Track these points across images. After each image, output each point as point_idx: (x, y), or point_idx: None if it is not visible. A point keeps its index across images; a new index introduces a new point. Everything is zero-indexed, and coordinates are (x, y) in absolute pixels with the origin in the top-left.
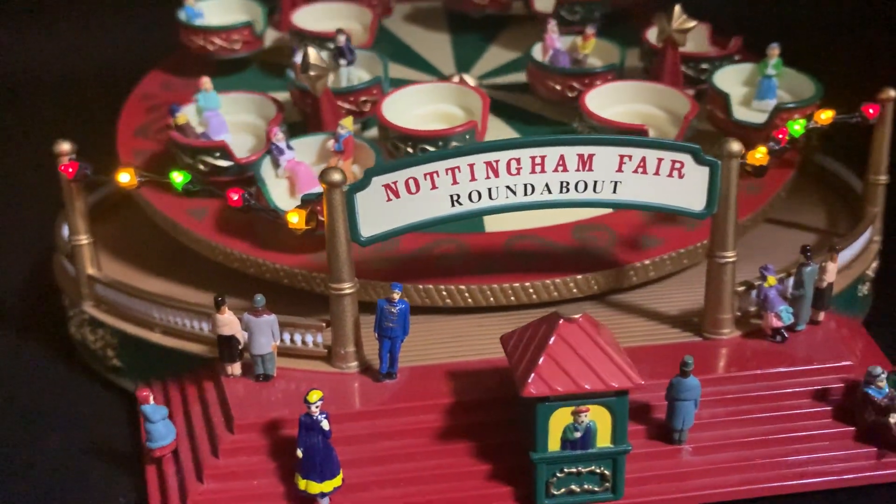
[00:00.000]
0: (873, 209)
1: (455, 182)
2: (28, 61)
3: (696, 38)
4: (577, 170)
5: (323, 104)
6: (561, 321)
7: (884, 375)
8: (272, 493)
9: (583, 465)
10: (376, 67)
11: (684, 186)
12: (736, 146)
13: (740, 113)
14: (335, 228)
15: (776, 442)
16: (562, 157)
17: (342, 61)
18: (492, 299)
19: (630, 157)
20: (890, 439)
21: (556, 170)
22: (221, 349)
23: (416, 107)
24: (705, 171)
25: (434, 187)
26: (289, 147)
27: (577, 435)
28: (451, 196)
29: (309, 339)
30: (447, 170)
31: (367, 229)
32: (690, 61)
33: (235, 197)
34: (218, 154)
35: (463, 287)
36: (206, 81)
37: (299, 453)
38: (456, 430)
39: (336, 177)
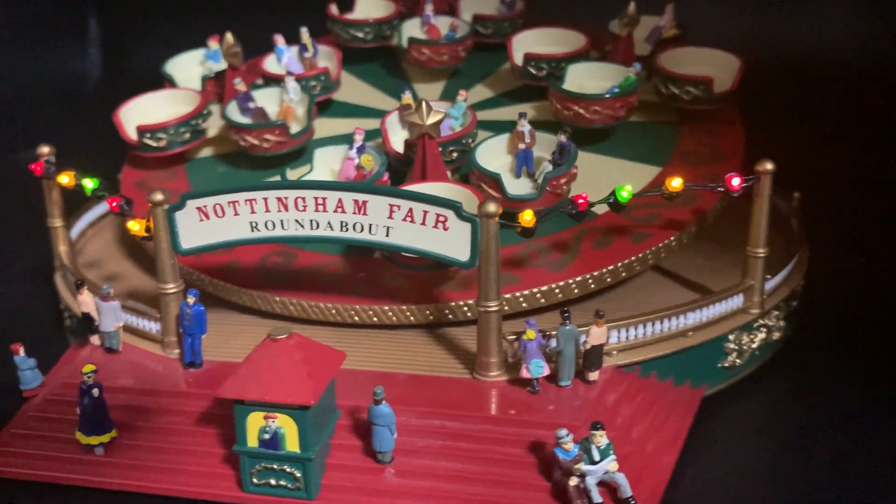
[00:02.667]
0: (749, 281)
1: (253, 212)
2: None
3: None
4: (354, 213)
5: (418, 151)
6: (267, 339)
7: (569, 437)
8: (66, 438)
9: (276, 464)
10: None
11: (449, 237)
12: (492, 207)
13: None
14: (159, 239)
15: (475, 481)
16: (340, 201)
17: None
18: (323, 315)
19: (399, 206)
20: (566, 500)
21: (335, 211)
22: (83, 323)
23: None
24: (468, 225)
25: (236, 214)
26: (359, 150)
27: (267, 437)
28: (251, 223)
29: (152, 326)
30: (246, 201)
31: (186, 242)
32: None
33: (114, 204)
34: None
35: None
36: (462, 94)
37: (77, 411)
38: (212, 418)
39: (158, 196)
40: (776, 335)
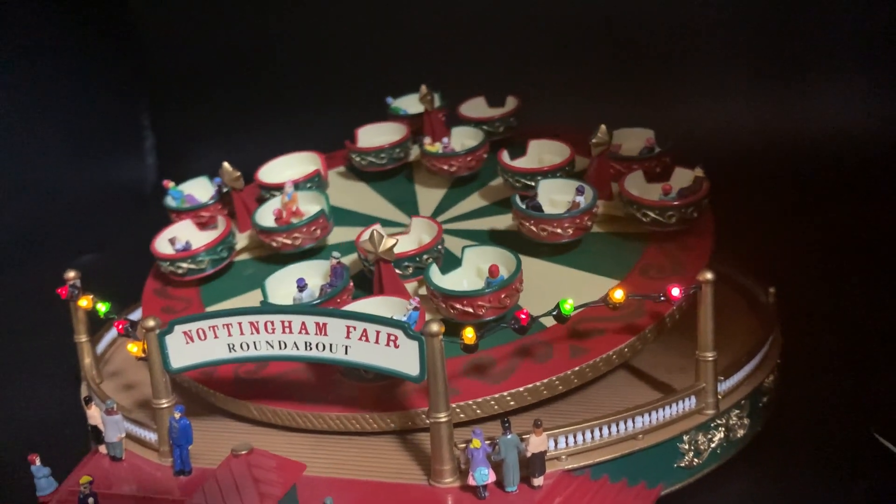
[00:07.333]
0: (699, 384)
1: (230, 335)
2: None
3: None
4: (316, 334)
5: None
6: (230, 454)
7: None
8: None
9: None
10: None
11: (401, 354)
12: (435, 327)
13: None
14: (152, 360)
15: None
16: (303, 324)
17: None
18: (300, 422)
19: (354, 328)
20: None
21: (300, 332)
22: (92, 433)
23: None
24: (416, 343)
25: (216, 337)
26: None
27: None
28: (228, 344)
29: (152, 436)
30: (223, 325)
31: (175, 362)
32: None
33: (120, 326)
34: None
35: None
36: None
37: None
38: None
39: (150, 323)
40: (740, 433)
